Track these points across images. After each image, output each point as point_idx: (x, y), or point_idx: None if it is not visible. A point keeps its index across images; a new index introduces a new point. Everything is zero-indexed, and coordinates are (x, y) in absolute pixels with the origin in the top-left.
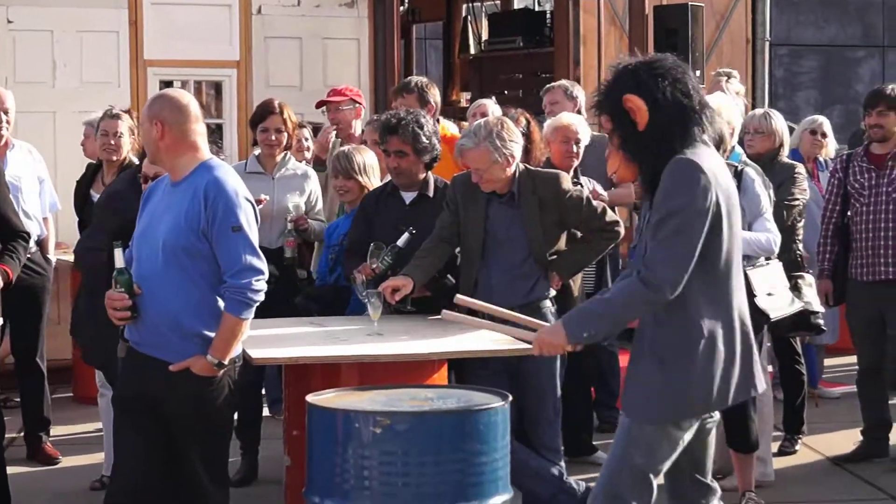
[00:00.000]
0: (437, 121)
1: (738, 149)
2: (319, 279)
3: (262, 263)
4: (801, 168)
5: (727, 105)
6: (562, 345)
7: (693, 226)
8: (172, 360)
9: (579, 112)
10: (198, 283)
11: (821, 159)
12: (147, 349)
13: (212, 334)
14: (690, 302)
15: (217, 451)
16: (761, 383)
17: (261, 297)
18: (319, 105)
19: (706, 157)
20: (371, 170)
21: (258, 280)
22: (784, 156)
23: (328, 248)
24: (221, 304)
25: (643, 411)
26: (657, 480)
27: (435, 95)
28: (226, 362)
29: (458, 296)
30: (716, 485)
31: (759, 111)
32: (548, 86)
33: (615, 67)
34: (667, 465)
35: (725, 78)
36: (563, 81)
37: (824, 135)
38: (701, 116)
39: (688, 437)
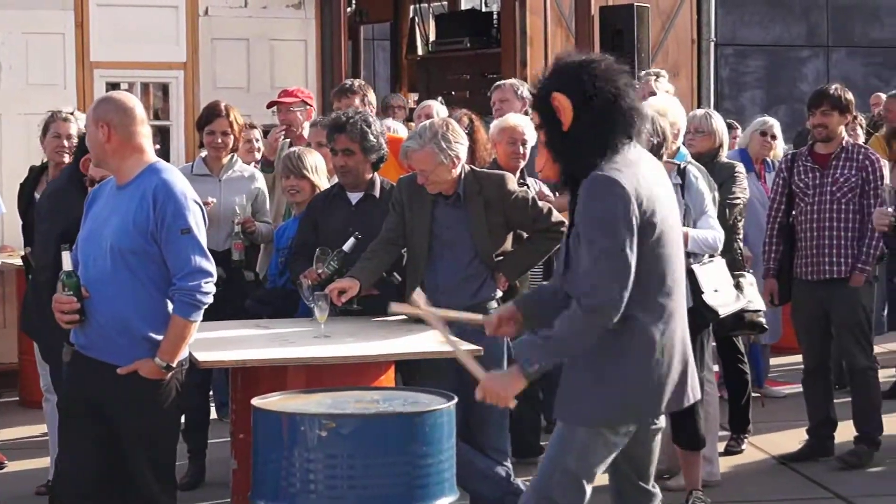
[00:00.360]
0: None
1: (684, 149)
2: (270, 282)
3: (211, 266)
4: (741, 167)
5: (672, 106)
6: (509, 399)
7: (621, 243)
8: (120, 363)
9: (527, 111)
10: (146, 286)
11: (769, 160)
12: (94, 353)
13: (159, 337)
14: (626, 310)
15: (164, 454)
16: (696, 392)
17: (210, 299)
18: (270, 105)
19: (630, 165)
20: (321, 171)
21: (207, 282)
22: (723, 156)
23: (278, 250)
24: (170, 306)
25: (576, 415)
26: (592, 484)
27: (371, 98)
28: (174, 365)
29: (393, 304)
30: (657, 490)
31: (699, 111)
32: (497, 84)
33: (553, 63)
34: (601, 469)
35: (654, 77)
36: (513, 80)
37: (774, 136)
38: (629, 121)
39: (623, 441)
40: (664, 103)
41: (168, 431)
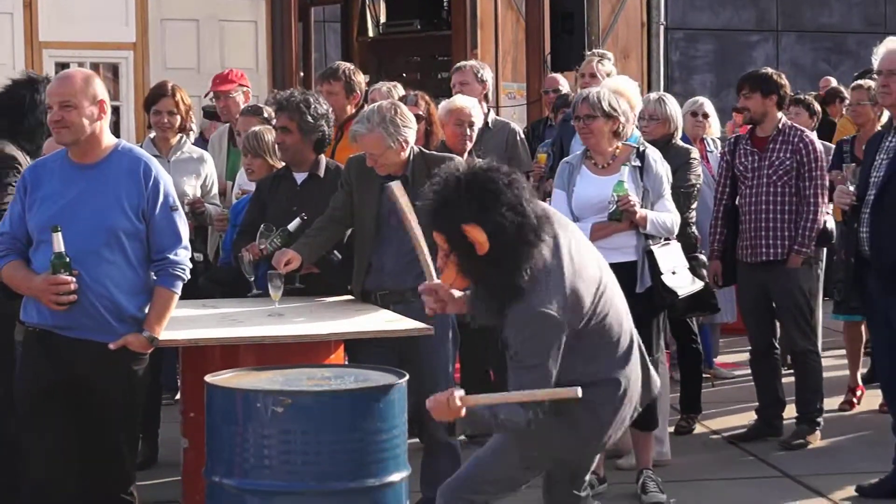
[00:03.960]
0: (363, 106)
1: (636, 132)
2: (223, 257)
3: (188, 240)
4: (695, 152)
5: (628, 88)
6: (444, 418)
7: (551, 367)
8: (107, 340)
9: (486, 95)
10: (132, 264)
11: (708, 139)
12: (77, 333)
13: (142, 313)
14: (595, 369)
15: (137, 429)
16: (657, 386)
17: (188, 272)
18: (208, 94)
19: (552, 277)
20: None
21: (188, 256)
22: (678, 140)
23: (233, 227)
24: (147, 282)
25: (524, 443)
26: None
27: (360, 83)
28: (159, 337)
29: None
30: (588, 492)
31: (653, 96)
32: (458, 64)
33: (445, 181)
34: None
35: (598, 59)
36: (474, 62)
37: (706, 115)
38: (539, 229)
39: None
40: (622, 85)
41: (142, 407)
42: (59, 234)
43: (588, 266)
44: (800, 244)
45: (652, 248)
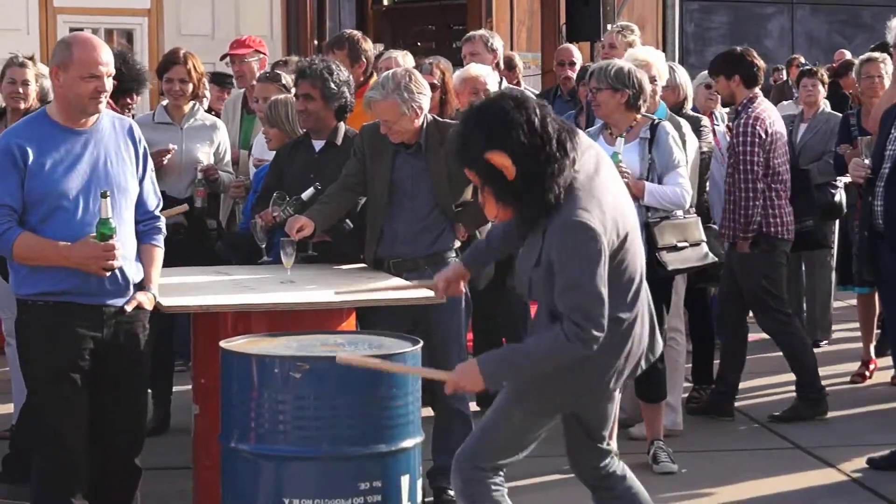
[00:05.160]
0: (372, 75)
1: (664, 106)
2: (243, 222)
3: None
4: (705, 120)
5: (655, 59)
6: (477, 388)
7: (600, 280)
8: (121, 303)
9: (498, 64)
10: (131, 226)
11: (716, 113)
12: (100, 298)
13: (137, 273)
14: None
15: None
16: (660, 346)
17: None
18: (223, 57)
19: (590, 192)
20: (295, 119)
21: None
22: (688, 109)
23: (254, 192)
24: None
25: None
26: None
27: (367, 51)
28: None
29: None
30: (611, 446)
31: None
32: (467, 35)
33: (462, 122)
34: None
35: (618, 31)
36: (483, 32)
37: None
38: (564, 144)
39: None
40: (646, 55)
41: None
42: (109, 199)
43: (620, 195)
44: (742, 230)
45: (649, 220)
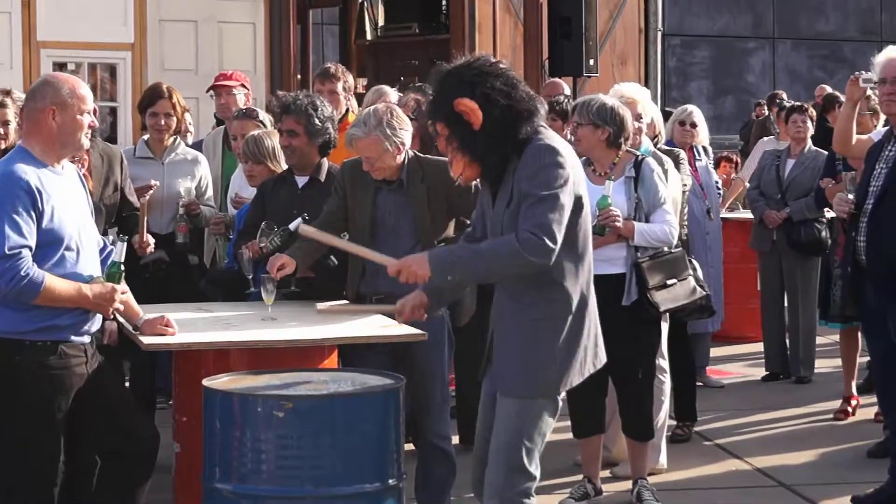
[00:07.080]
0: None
1: (648, 142)
2: (228, 264)
3: None
4: (683, 155)
5: (642, 97)
6: (423, 277)
7: (563, 202)
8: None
9: None
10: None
11: (697, 147)
12: (86, 336)
13: None
14: (557, 276)
15: None
16: (603, 356)
17: None
18: (209, 90)
19: (556, 139)
20: (280, 155)
21: None
22: (661, 143)
23: (237, 232)
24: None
25: (524, 387)
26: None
27: (351, 84)
28: None
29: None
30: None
31: None
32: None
33: (436, 75)
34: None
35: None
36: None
37: (693, 124)
38: (532, 106)
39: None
40: (632, 92)
41: None
42: (124, 244)
43: (578, 168)
44: None
45: (640, 261)
